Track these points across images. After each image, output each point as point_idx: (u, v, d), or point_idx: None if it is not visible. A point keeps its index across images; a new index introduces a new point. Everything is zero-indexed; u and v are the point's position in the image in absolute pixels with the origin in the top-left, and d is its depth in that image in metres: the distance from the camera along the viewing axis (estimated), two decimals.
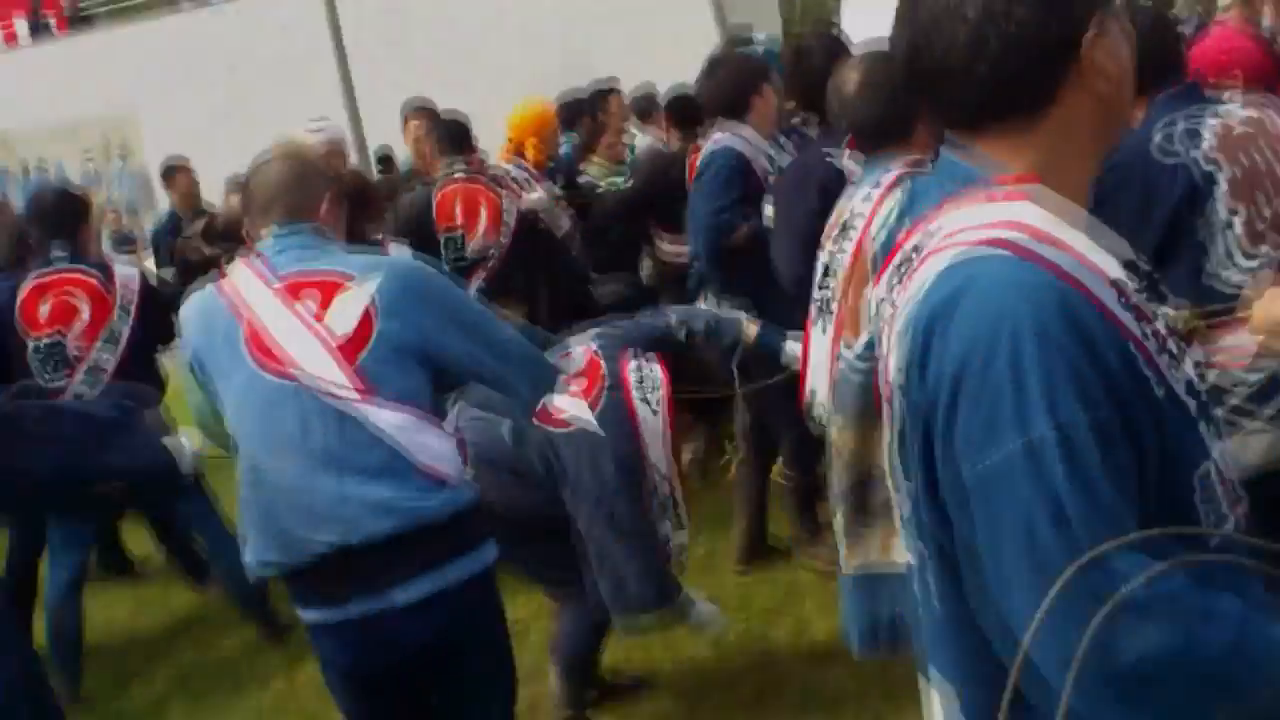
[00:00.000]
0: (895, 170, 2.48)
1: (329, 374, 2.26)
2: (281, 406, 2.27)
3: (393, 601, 2.25)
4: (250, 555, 2.36)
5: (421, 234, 4.42)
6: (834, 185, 2.98)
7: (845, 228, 2.53)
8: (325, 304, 2.30)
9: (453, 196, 4.73)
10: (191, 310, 2.45)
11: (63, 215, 4.18)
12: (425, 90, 6.02)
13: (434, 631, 2.31)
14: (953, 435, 1.04)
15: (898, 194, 2.40)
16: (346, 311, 2.29)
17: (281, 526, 2.28)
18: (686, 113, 4.88)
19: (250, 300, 2.34)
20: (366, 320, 2.28)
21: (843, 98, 2.62)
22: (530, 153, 5.33)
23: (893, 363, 1.14)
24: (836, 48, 3.48)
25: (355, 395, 2.25)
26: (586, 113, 6.13)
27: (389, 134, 7.66)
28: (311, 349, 2.27)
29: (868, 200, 2.47)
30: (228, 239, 4.99)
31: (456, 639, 2.36)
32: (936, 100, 1.18)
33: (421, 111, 5.59)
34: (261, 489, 2.31)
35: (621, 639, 3.41)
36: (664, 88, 5.98)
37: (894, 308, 1.17)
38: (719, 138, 3.94)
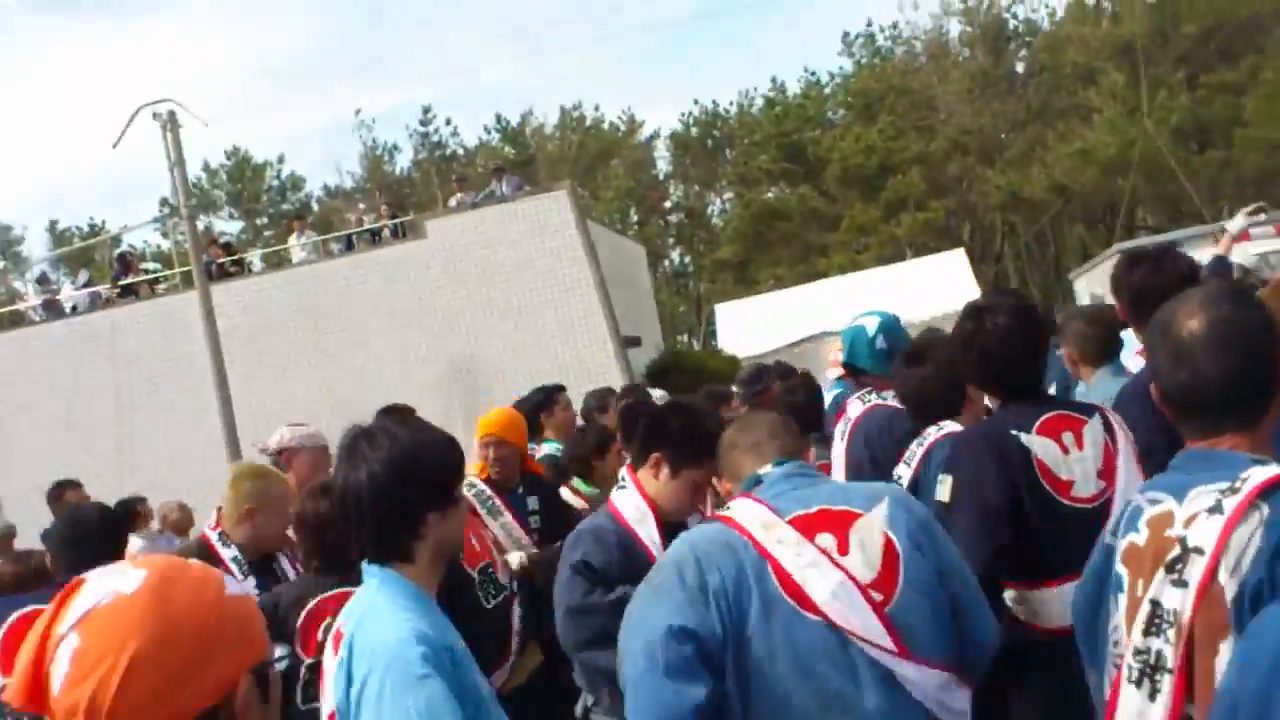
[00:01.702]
0: (1248, 483, 1.79)
1: (868, 623, 2.04)
2: (826, 657, 2.04)
3: None
4: None
5: None
6: (1020, 462, 2.82)
7: (1183, 554, 1.84)
8: (843, 542, 2.11)
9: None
10: (700, 542, 2.18)
11: None
12: (306, 401, 5.45)
13: None
14: None
15: (1255, 517, 1.77)
16: (866, 549, 2.11)
17: None
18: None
19: (765, 539, 2.12)
20: (890, 557, 2.10)
21: (1216, 347, 1.88)
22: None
23: None
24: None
25: (894, 649, 2.03)
26: (539, 414, 5.79)
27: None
28: (846, 593, 2.05)
29: (1216, 517, 1.80)
30: None
31: None
32: None
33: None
34: None
35: None
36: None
37: None
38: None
